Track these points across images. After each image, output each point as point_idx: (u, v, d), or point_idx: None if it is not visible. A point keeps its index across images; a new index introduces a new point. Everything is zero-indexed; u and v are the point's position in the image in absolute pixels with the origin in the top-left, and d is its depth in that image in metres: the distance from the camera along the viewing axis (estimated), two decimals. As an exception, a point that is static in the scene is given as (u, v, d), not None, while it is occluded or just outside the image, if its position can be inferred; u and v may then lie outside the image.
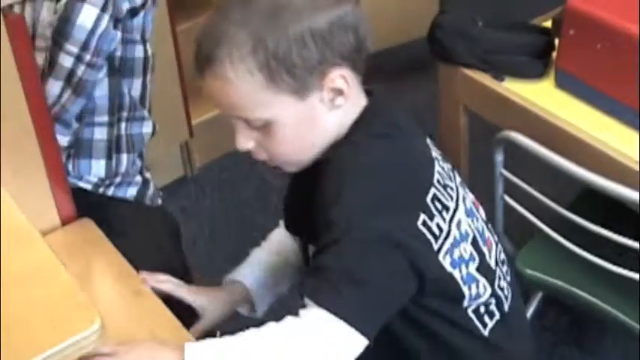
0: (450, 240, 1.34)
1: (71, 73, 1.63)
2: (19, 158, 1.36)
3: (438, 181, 1.35)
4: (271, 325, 1.24)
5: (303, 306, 1.24)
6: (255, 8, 1.25)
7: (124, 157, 1.81)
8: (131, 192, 1.84)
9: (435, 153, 1.40)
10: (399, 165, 1.32)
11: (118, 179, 1.82)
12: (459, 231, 1.36)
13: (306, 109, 1.29)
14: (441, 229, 1.32)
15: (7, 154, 1.33)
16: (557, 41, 1.97)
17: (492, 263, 1.44)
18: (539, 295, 2.23)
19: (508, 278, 1.49)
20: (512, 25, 2.08)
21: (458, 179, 1.43)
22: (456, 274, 1.35)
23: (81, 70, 1.63)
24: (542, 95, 1.96)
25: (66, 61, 1.62)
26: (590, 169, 1.72)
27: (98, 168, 1.78)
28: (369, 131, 1.32)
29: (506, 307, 1.46)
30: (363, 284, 1.22)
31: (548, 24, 2.08)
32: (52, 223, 1.50)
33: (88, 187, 1.79)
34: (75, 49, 1.61)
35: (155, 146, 2.05)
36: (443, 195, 1.34)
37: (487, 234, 1.45)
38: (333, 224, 1.24)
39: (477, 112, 2.08)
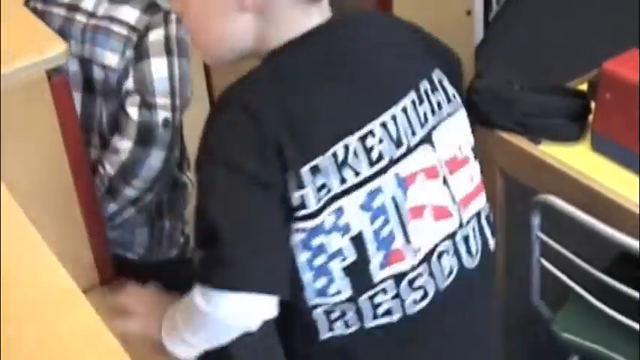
0: (315, 222, 1.18)
1: (165, 123, 1.55)
2: (63, 221, 1.39)
3: (334, 155, 1.17)
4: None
5: None
6: None
7: (167, 223, 1.80)
8: (173, 251, 1.84)
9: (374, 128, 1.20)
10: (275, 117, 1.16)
11: (162, 245, 1.81)
12: (337, 220, 1.19)
13: (205, 5, 1.20)
14: (304, 206, 1.17)
15: (52, 218, 1.36)
16: (593, 104, 1.98)
17: (376, 275, 1.22)
18: (576, 358, 2.21)
19: (405, 311, 1.26)
20: (549, 87, 2.09)
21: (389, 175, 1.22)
22: (301, 258, 1.19)
23: (177, 118, 1.58)
24: (578, 158, 1.96)
25: (160, 115, 1.55)
26: (627, 233, 1.72)
27: (142, 236, 1.77)
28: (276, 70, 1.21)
29: (370, 324, 1.25)
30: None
31: (584, 86, 2.09)
32: (91, 282, 1.53)
33: (135, 257, 1.79)
34: (165, 100, 1.55)
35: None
36: (331, 173, 1.17)
37: (398, 245, 1.23)
38: None
39: (514, 174, 2.08)
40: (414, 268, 1.25)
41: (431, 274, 1.27)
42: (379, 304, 1.25)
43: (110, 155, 1.56)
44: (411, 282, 1.25)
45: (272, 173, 1.15)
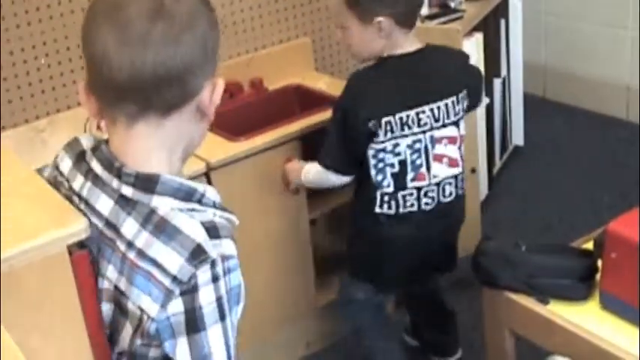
0: (381, 146, 2.40)
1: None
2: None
3: (400, 118, 2.38)
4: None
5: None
6: None
7: None
8: None
9: (413, 113, 2.40)
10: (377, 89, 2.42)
11: None
12: (393, 148, 2.41)
13: (365, 31, 2.37)
14: (376, 136, 2.38)
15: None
16: (599, 262, 2.00)
17: (409, 183, 2.45)
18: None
19: (424, 207, 2.48)
20: (555, 248, 2.13)
21: (434, 134, 2.44)
22: (371, 161, 2.43)
23: None
24: (587, 317, 1.97)
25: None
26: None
27: None
28: (373, 71, 2.46)
29: (401, 211, 2.47)
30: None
31: (589, 245, 2.12)
32: None
33: None
34: None
35: None
36: (396, 124, 2.38)
37: (423, 171, 2.45)
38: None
39: (523, 335, 2.08)
40: (429, 186, 2.47)
41: (438, 192, 2.49)
42: (407, 200, 2.46)
43: None
44: (425, 193, 2.47)
45: (367, 118, 2.37)
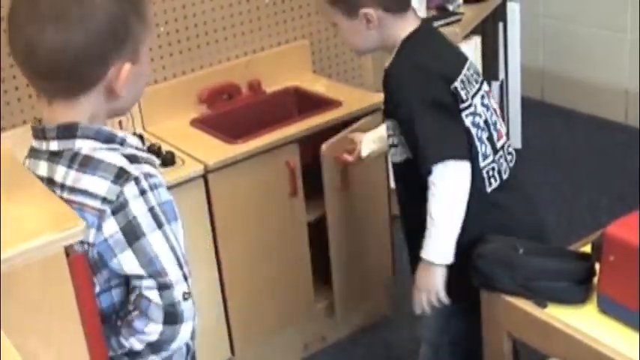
0: (471, 109, 2.13)
1: (185, 296, 1.53)
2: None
3: (465, 75, 2.16)
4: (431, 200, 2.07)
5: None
6: None
7: None
8: None
9: (466, 70, 2.18)
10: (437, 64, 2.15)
11: None
12: (475, 108, 2.14)
13: (352, 25, 2.20)
14: (463, 100, 2.12)
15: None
16: (597, 265, 2.00)
17: (497, 144, 2.19)
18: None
19: (509, 164, 2.23)
20: (553, 251, 2.12)
21: (483, 88, 2.22)
22: (473, 131, 2.12)
23: (190, 284, 1.55)
24: (585, 320, 1.96)
25: (178, 290, 1.52)
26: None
27: None
28: (420, 47, 2.19)
29: (504, 177, 2.19)
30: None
31: (588, 248, 2.12)
32: None
33: None
34: (177, 274, 1.52)
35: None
36: (465, 84, 2.14)
37: (499, 127, 2.22)
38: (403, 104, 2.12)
39: (521, 338, 2.08)
40: (505, 142, 2.24)
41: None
42: (501, 163, 2.20)
43: (135, 334, 1.53)
44: (509, 152, 2.25)
45: (449, 79, 2.13)
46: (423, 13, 3.34)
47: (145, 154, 1.57)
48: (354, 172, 2.91)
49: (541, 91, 4.86)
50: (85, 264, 1.39)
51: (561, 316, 1.98)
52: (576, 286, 2.01)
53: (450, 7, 3.44)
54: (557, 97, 4.80)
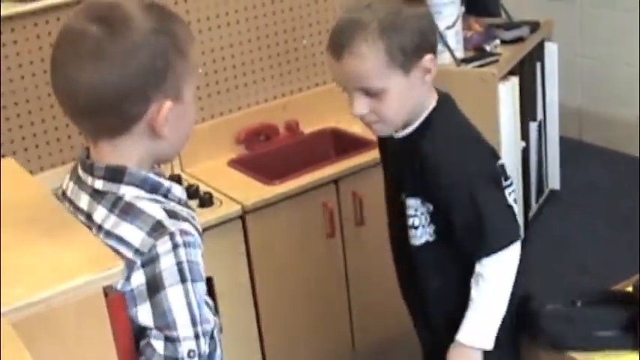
0: (513, 187, 1.98)
1: (190, 354, 1.49)
2: None
3: None
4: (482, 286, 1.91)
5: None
6: (377, 8, 1.85)
7: None
8: None
9: None
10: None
11: None
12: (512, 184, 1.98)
13: (408, 82, 1.87)
14: (507, 177, 1.95)
15: None
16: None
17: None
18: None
19: None
20: (601, 296, 2.10)
21: None
22: (515, 208, 1.96)
23: (201, 345, 1.51)
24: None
25: (184, 347, 1.48)
26: None
27: None
28: (455, 118, 1.99)
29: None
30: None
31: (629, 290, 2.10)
32: None
33: None
34: (187, 331, 1.48)
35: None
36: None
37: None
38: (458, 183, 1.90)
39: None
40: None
41: None
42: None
43: None
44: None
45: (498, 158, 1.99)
46: (460, 53, 3.34)
47: (185, 212, 1.55)
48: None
49: (579, 131, 4.83)
50: (124, 304, 1.40)
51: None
52: (625, 333, 1.99)
53: (488, 48, 3.43)
54: (595, 136, 4.76)
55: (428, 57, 1.88)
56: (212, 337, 1.58)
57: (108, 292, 1.34)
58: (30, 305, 1.23)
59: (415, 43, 1.85)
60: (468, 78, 3.24)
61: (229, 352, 1.91)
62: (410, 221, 1.99)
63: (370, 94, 1.88)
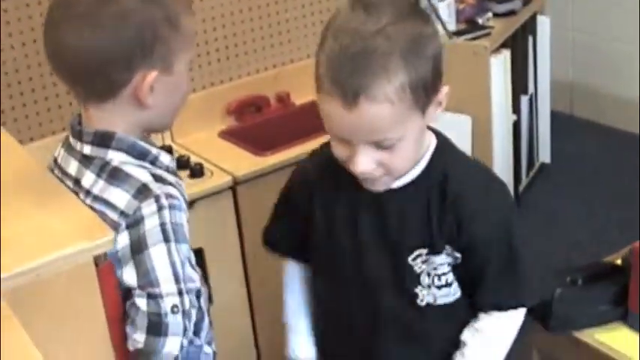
0: None
1: (174, 310, 1.49)
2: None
3: None
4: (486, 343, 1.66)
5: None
6: (391, 31, 1.41)
7: None
8: None
9: None
10: None
11: None
12: None
13: (423, 123, 1.53)
14: None
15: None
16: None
17: None
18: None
19: None
20: (600, 270, 2.11)
21: None
22: None
23: (185, 302, 1.50)
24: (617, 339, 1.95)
25: (167, 302, 1.48)
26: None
27: None
28: (463, 154, 1.69)
29: None
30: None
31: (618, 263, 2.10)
32: None
33: None
34: (170, 287, 1.48)
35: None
36: None
37: None
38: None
39: None
40: None
41: None
42: None
43: (129, 340, 1.50)
44: None
45: None
46: (452, 25, 3.33)
47: (173, 178, 1.56)
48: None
49: (570, 105, 4.83)
50: (114, 273, 1.40)
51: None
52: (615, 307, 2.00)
53: (480, 21, 3.42)
54: (586, 111, 4.76)
55: (445, 89, 1.52)
56: (200, 308, 1.59)
57: (98, 261, 1.34)
58: (20, 275, 1.23)
59: (433, 74, 1.48)
60: (459, 51, 3.23)
61: (219, 322, 1.92)
62: (441, 280, 1.63)
63: (382, 146, 1.48)
